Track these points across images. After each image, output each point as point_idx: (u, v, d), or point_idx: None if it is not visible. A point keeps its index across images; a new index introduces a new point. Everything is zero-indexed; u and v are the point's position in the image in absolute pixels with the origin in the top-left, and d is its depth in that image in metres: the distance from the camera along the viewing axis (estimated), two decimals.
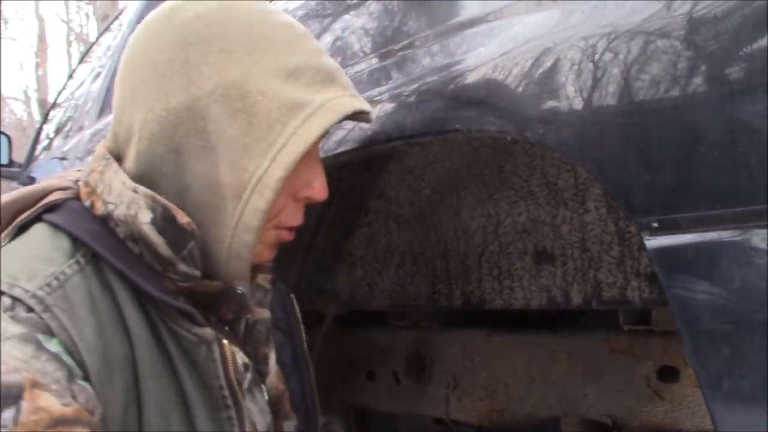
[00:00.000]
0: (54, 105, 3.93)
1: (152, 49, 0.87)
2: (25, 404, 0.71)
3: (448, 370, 1.58)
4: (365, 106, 0.91)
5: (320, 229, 1.62)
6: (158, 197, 0.84)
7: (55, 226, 0.86)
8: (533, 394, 1.41)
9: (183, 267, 0.85)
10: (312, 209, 1.58)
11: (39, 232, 0.87)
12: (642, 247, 1.16)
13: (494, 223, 1.39)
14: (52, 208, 0.89)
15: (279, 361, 1.06)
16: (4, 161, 3.53)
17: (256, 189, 0.83)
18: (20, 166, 3.63)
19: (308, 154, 0.89)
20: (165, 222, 0.83)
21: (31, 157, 3.66)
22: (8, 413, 0.70)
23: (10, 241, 0.88)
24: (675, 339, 1.21)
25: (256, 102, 0.83)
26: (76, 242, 0.85)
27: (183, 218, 0.83)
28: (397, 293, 1.60)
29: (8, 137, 3.61)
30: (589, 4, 0.85)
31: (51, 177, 0.98)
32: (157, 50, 0.86)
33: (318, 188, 0.91)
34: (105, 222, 0.87)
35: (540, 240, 1.31)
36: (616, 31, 0.77)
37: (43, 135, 3.77)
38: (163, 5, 0.90)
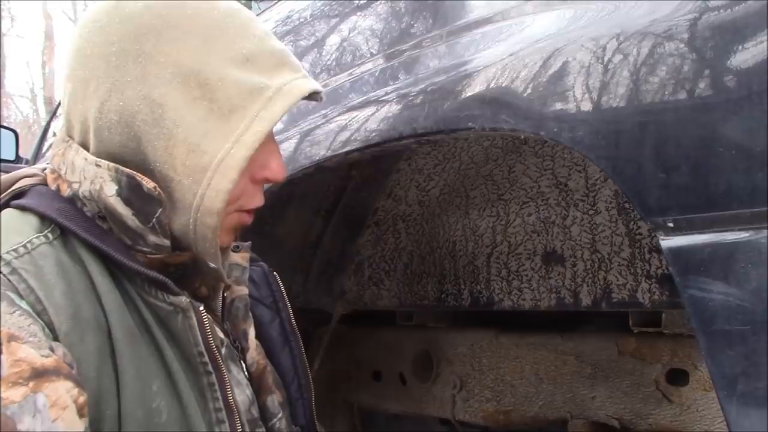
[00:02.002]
0: (61, 102, 3.93)
1: (102, 42, 0.87)
2: (4, 357, 0.70)
3: (455, 370, 1.57)
4: (318, 86, 0.92)
5: (328, 228, 1.62)
6: (121, 168, 0.84)
7: (23, 208, 0.87)
8: (540, 395, 1.41)
9: (153, 238, 0.86)
10: (320, 207, 1.59)
11: (7, 214, 0.88)
12: (653, 248, 1.16)
13: (503, 223, 1.39)
14: (19, 195, 0.90)
15: (268, 338, 1.06)
16: (12, 157, 3.52)
17: (218, 170, 0.84)
18: (27, 162, 3.63)
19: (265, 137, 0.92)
20: (131, 191, 0.84)
21: (38, 154, 3.66)
22: None
23: None
24: (684, 342, 1.20)
25: (216, 88, 0.85)
26: (44, 220, 0.85)
27: (149, 183, 0.84)
28: (405, 293, 1.59)
29: (16, 133, 3.61)
30: (602, 5, 0.84)
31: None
32: (107, 42, 0.86)
33: (275, 168, 0.92)
34: (72, 202, 0.87)
35: (549, 241, 1.31)
36: (631, 31, 0.77)
37: (50, 132, 3.77)
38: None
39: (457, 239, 1.48)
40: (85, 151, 0.87)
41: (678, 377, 1.21)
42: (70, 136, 0.90)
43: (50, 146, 3.63)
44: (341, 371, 1.83)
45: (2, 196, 0.90)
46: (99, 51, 0.86)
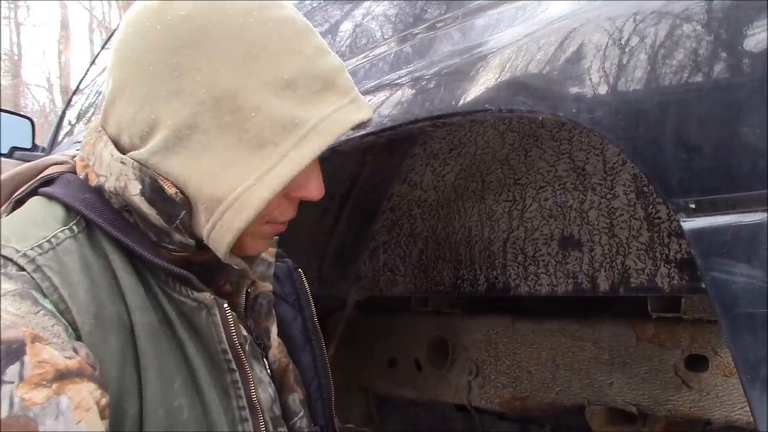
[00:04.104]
0: (76, 91, 3.95)
1: (141, 47, 0.84)
2: (27, 358, 0.69)
3: (471, 357, 1.56)
4: (364, 115, 0.86)
5: (343, 214, 1.61)
6: (145, 168, 0.82)
7: (50, 197, 0.86)
8: (557, 381, 1.40)
9: (178, 236, 0.84)
10: (335, 192, 1.58)
11: (33, 203, 0.87)
12: (672, 232, 1.14)
13: (520, 208, 1.37)
14: (48, 181, 0.89)
15: (290, 335, 1.05)
16: (28, 145, 3.54)
17: (233, 206, 0.80)
18: (43, 150, 3.65)
19: None
20: (153, 192, 0.82)
21: (54, 142, 3.68)
22: (13, 369, 0.69)
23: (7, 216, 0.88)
24: (704, 327, 1.19)
25: (249, 118, 0.80)
26: (70, 211, 0.84)
27: (170, 189, 0.82)
28: (420, 279, 1.59)
29: (32, 121, 3.63)
30: None
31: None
32: (146, 50, 0.83)
33: (313, 189, 0.88)
34: (100, 193, 0.86)
35: (567, 225, 1.29)
36: (649, 10, 0.75)
37: (65, 120, 3.79)
38: None
39: (473, 225, 1.47)
40: (112, 146, 0.85)
41: (697, 363, 1.20)
42: (104, 127, 0.89)
43: (66, 135, 3.65)
44: (356, 357, 1.83)
45: (31, 182, 0.89)
46: (137, 57, 0.84)
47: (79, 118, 3.57)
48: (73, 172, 0.90)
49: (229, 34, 0.81)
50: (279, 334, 1.02)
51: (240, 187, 0.80)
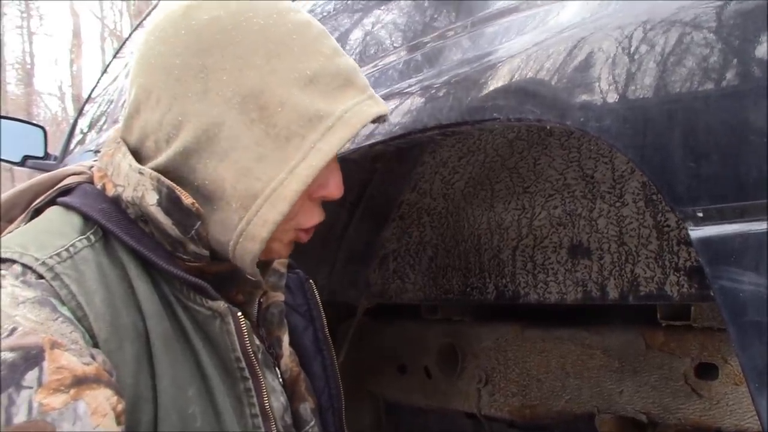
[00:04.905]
0: (88, 100, 3.97)
1: (166, 52, 0.85)
2: (46, 364, 0.70)
3: (480, 364, 1.56)
4: (382, 109, 0.89)
5: (353, 221, 1.62)
6: (163, 178, 0.84)
7: (68, 207, 0.87)
8: (567, 389, 1.40)
9: (192, 246, 0.85)
10: (345, 199, 1.58)
11: (51, 212, 0.88)
12: (681, 240, 1.14)
13: (529, 216, 1.37)
14: (66, 191, 0.91)
15: (301, 345, 1.06)
16: (40, 153, 3.57)
17: (269, 199, 0.82)
18: (56, 159, 3.68)
19: None
20: (170, 203, 0.83)
21: (66, 150, 3.70)
22: (32, 374, 0.70)
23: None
24: (714, 335, 1.19)
25: (275, 113, 0.82)
26: (88, 221, 0.85)
27: (187, 199, 0.83)
28: (430, 286, 1.59)
29: (44, 130, 3.65)
30: None
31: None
32: (171, 54, 0.85)
33: (333, 188, 0.90)
34: (117, 203, 0.87)
35: (576, 233, 1.29)
36: (658, 19, 0.75)
37: (77, 129, 3.81)
38: (178, 3, 0.88)
39: (482, 232, 1.47)
40: (131, 157, 0.87)
41: (707, 371, 1.20)
42: (124, 139, 0.90)
43: (78, 143, 3.67)
44: (366, 364, 1.83)
45: (49, 192, 0.91)
46: (162, 62, 0.85)
47: (90, 126, 3.60)
48: (91, 182, 0.92)
49: (252, 35, 0.84)
50: (290, 344, 1.02)
51: (274, 182, 0.82)
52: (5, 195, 0.95)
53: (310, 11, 1.59)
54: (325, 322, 1.08)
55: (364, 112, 0.86)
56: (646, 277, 1.18)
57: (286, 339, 1.01)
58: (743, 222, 0.67)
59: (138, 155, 0.88)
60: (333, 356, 1.08)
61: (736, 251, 0.67)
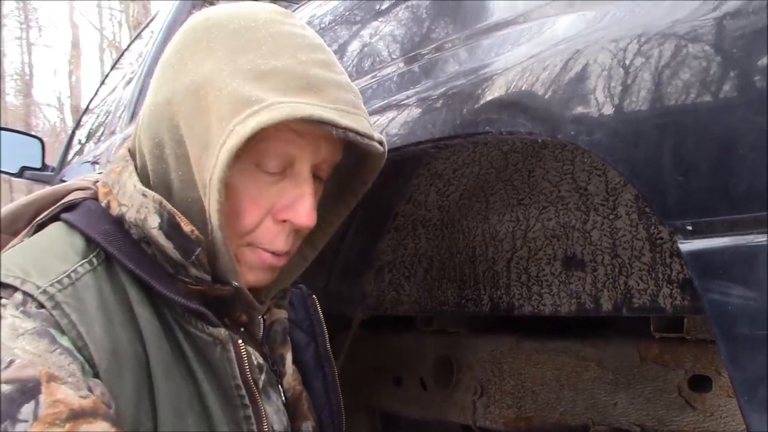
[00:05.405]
0: (86, 110, 3.98)
1: (165, 52, 0.90)
2: (43, 398, 0.70)
3: (476, 376, 1.56)
4: (338, 119, 0.81)
5: (348, 233, 1.62)
6: (165, 202, 0.84)
7: (71, 225, 0.87)
8: (562, 401, 1.40)
9: (194, 271, 0.85)
10: None
11: (54, 229, 0.88)
12: (674, 253, 1.14)
13: (523, 228, 1.38)
14: (69, 207, 0.90)
15: (302, 361, 1.05)
16: (38, 165, 3.58)
17: (210, 188, 0.81)
18: (53, 170, 3.68)
19: (296, 172, 0.86)
20: (171, 228, 0.83)
21: (63, 161, 3.71)
22: (27, 408, 0.70)
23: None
24: (707, 347, 1.19)
25: (215, 99, 0.81)
26: (91, 242, 0.85)
27: (187, 226, 0.83)
28: (425, 298, 1.59)
29: (42, 141, 3.66)
30: (624, 6, 0.84)
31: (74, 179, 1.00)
32: (166, 53, 0.89)
33: (300, 213, 0.85)
34: (120, 223, 0.87)
35: (570, 245, 1.30)
36: (650, 33, 0.76)
37: (75, 140, 3.82)
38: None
39: (477, 244, 1.47)
40: (137, 177, 0.87)
41: (701, 383, 1.20)
42: (132, 155, 0.91)
43: (75, 154, 3.68)
44: (362, 376, 1.83)
45: (53, 208, 0.91)
46: (162, 59, 0.90)
47: (88, 137, 3.60)
48: (95, 198, 0.92)
49: (228, 32, 0.85)
50: (292, 361, 1.02)
51: (210, 171, 0.80)
52: (8, 207, 0.95)
53: (308, 23, 1.60)
54: (327, 338, 1.08)
55: (303, 108, 0.80)
56: (640, 290, 1.18)
57: (289, 357, 1.01)
58: (732, 235, 0.67)
59: (143, 171, 0.89)
60: (334, 372, 1.07)
61: (725, 264, 0.68)
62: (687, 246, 0.70)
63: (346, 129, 0.82)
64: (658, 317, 1.19)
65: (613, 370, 1.32)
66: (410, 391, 1.72)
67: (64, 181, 3.49)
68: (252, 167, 0.85)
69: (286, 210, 0.86)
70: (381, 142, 0.89)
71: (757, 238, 0.65)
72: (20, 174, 3.54)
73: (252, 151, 0.82)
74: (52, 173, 3.66)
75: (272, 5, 0.90)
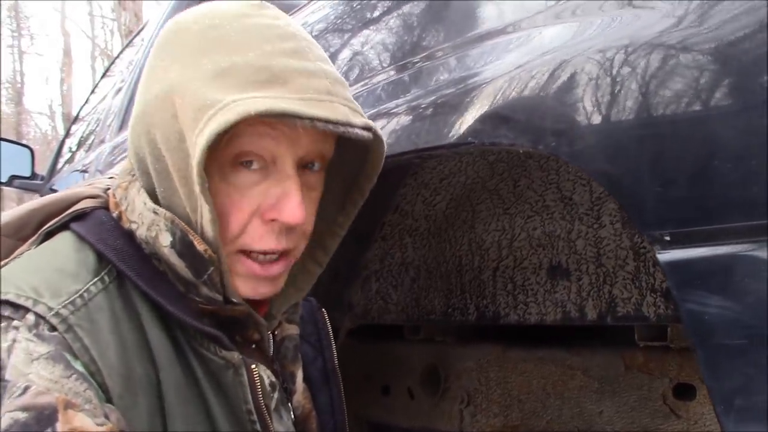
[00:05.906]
0: (76, 119, 3.98)
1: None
2: (59, 426, 0.69)
3: (463, 385, 1.57)
4: (303, 110, 0.76)
5: None
6: (177, 220, 0.81)
7: (81, 237, 0.85)
8: (548, 410, 1.40)
9: (205, 290, 0.83)
10: None
11: (64, 240, 0.86)
12: (657, 262, 1.15)
13: (509, 237, 1.39)
14: (79, 216, 0.88)
15: (308, 376, 1.03)
16: (27, 173, 3.57)
17: (198, 201, 0.79)
18: (42, 178, 3.68)
19: (278, 169, 0.82)
20: (183, 246, 0.81)
21: (53, 170, 3.70)
22: None
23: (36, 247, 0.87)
24: (691, 356, 1.19)
25: (180, 106, 0.78)
26: (102, 258, 0.83)
27: (200, 245, 0.80)
28: (412, 307, 1.59)
29: (31, 150, 3.66)
30: (606, 18, 0.85)
31: (79, 184, 0.97)
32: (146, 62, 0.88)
33: (287, 211, 0.81)
34: (131, 236, 0.85)
35: (555, 255, 1.30)
36: (632, 44, 0.77)
37: (65, 148, 3.82)
38: None
39: (463, 254, 1.48)
40: (146, 194, 0.84)
41: (685, 392, 1.20)
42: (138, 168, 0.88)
43: (66, 162, 3.67)
44: (350, 385, 1.83)
45: (62, 216, 0.88)
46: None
47: (79, 145, 3.60)
48: (106, 207, 0.89)
49: (194, 34, 0.82)
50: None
51: (191, 185, 0.79)
52: (16, 212, 0.92)
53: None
54: (334, 353, 1.06)
55: (258, 103, 0.76)
56: (624, 298, 1.19)
57: (299, 375, 0.99)
58: (709, 246, 0.68)
59: (150, 185, 0.87)
60: (340, 388, 1.05)
61: (703, 274, 0.69)
62: (665, 256, 0.71)
63: (312, 119, 0.77)
64: (642, 326, 1.20)
65: (598, 378, 1.32)
66: (398, 400, 1.72)
67: (54, 190, 3.48)
68: (231, 169, 0.81)
69: (272, 209, 0.82)
70: (368, 128, 0.84)
71: (735, 248, 0.66)
72: (9, 183, 3.54)
73: (228, 151, 0.80)
74: (41, 182, 3.65)
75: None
